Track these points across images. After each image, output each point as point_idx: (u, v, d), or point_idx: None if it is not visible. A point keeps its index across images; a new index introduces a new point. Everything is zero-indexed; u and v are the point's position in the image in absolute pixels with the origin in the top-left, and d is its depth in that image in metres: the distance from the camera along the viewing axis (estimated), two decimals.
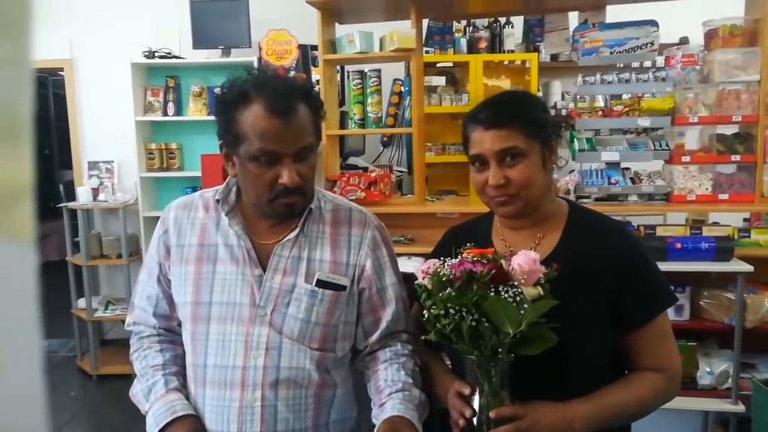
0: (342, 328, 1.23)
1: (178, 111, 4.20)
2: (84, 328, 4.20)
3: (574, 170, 2.86)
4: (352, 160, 4.13)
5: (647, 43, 2.64)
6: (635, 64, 3.40)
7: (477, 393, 1.08)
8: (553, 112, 3.95)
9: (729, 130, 2.72)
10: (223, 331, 1.19)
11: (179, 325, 1.27)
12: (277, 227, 1.23)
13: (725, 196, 2.61)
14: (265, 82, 1.15)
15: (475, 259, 1.06)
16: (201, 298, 1.21)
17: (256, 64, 3.64)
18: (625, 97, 2.75)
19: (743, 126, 2.66)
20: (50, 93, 7.27)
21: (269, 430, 1.16)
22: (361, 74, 3.05)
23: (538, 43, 3.89)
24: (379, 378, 1.21)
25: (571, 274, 1.08)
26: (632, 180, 2.72)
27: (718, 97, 2.59)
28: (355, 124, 3.08)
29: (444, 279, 1.05)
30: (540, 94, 4.19)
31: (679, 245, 2.28)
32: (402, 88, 4.14)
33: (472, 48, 4.19)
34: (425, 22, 3.42)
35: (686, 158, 2.63)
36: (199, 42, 4.05)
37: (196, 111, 4.16)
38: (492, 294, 1.01)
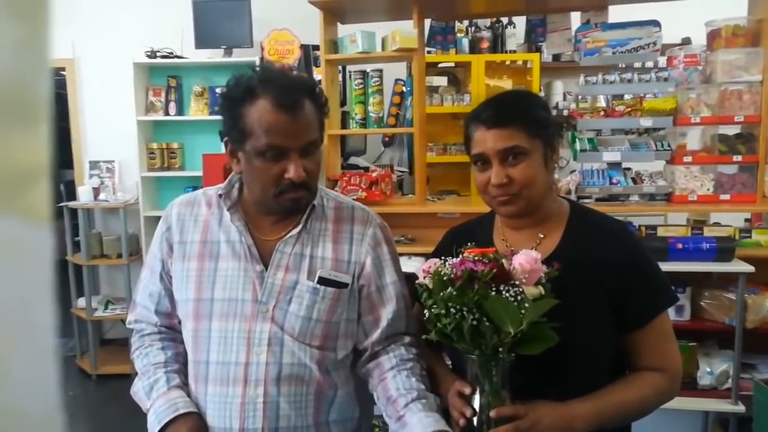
0: (344, 325, 1.23)
1: (180, 111, 4.20)
2: (84, 327, 4.20)
3: (575, 170, 2.86)
4: (353, 160, 4.13)
5: (650, 44, 2.63)
6: (637, 65, 3.40)
7: (477, 392, 1.08)
8: (554, 112, 3.95)
9: (731, 130, 2.72)
10: (225, 328, 1.18)
11: (180, 322, 1.27)
12: (280, 224, 1.23)
13: (727, 197, 2.60)
14: (272, 78, 1.16)
15: (476, 258, 1.06)
16: (203, 295, 1.21)
17: (260, 63, 3.64)
18: (627, 97, 2.74)
19: (745, 126, 2.66)
20: (52, 92, 7.27)
21: (271, 427, 1.16)
22: (363, 74, 3.04)
23: (540, 43, 3.89)
24: (389, 387, 1.18)
25: (572, 273, 1.08)
26: (633, 180, 2.72)
27: (720, 97, 2.58)
28: (356, 123, 3.08)
29: (445, 278, 1.05)
30: (542, 94, 4.18)
31: (680, 245, 2.27)
32: (404, 88, 4.14)
33: (474, 48, 4.19)
34: (427, 22, 3.41)
35: (688, 158, 2.62)
36: (201, 42, 4.06)
37: (197, 111, 4.17)
38: (493, 293, 1.01)
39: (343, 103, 3.80)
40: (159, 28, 4.28)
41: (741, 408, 2.25)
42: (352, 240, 1.25)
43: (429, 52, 3.89)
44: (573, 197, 2.60)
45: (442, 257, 1.09)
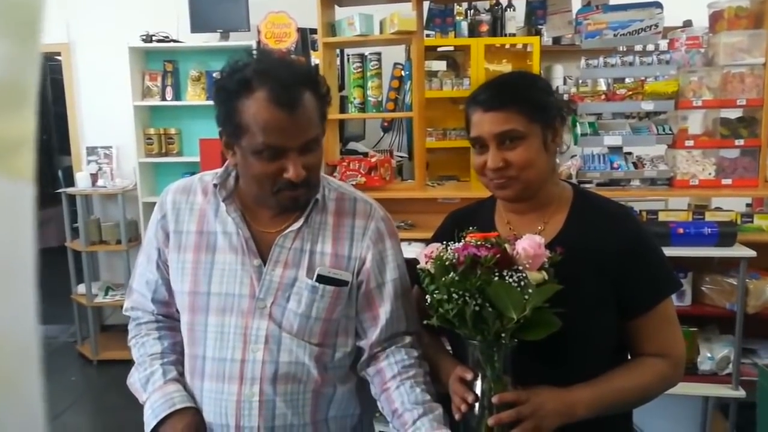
0: (344, 323, 1.19)
1: (177, 96, 4.17)
2: (84, 313, 4.20)
3: (576, 155, 2.84)
4: (352, 146, 4.10)
5: (651, 26, 2.60)
6: (639, 47, 3.36)
7: (479, 378, 1.07)
8: (554, 97, 3.91)
9: (733, 114, 2.69)
10: (221, 323, 1.15)
11: (178, 311, 1.25)
12: (279, 216, 1.18)
13: (728, 181, 2.59)
14: (269, 68, 1.08)
15: (478, 243, 1.04)
16: (199, 288, 1.17)
17: (258, 47, 3.59)
18: (628, 80, 2.71)
19: (747, 110, 2.64)
20: (48, 77, 7.21)
21: (267, 425, 1.14)
22: (361, 57, 3.01)
23: (540, 26, 3.84)
24: (393, 399, 1.14)
25: (575, 258, 1.07)
26: (635, 165, 2.70)
27: (722, 80, 2.56)
28: (355, 108, 3.04)
29: (447, 263, 1.04)
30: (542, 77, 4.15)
31: (681, 230, 2.26)
32: (402, 72, 4.10)
33: (474, 31, 4.15)
34: (426, 4, 3.37)
35: (689, 142, 2.60)
36: (197, 25, 4.01)
37: (194, 95, 4.13)
38: (496, 279, 0.99)
39: (341, 87, 3.76)
40: (154, 11, 4.22)
41: (742, 393, 2.25)
42: (353, 235, 1.20)
43: (428, 36, 3.85)
44: (574, 182, 2.58)
45: (444, 242, 1.08)
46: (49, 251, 6.81)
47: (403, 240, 2.53)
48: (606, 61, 2.68)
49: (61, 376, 4.02)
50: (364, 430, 1.31)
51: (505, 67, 4.24)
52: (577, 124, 2.70)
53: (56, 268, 4.81)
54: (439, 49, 4.21)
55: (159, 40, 4.08)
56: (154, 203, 1.28)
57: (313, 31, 3.61)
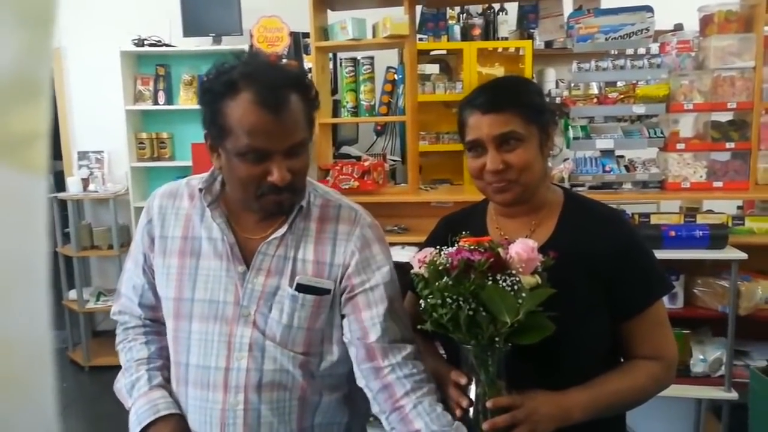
0: (328, 331, 1.16)
1: (169, 100, 4.15)
2: (75, 319, 4.17)
3: (568, 158, 2.85)
4: (345, 149, 4.10)
5: (642, 29, 2.62)
6: (630, 51, 3.38)
7: (474, 383, 1.07)
8: (547, 99, 3.93)
9: (724, 117, 2.71)
10: (205, 330, 1.13)
11: None
12: (265, 222, 1.16)
13: (719, 184, 2.60)
14: (255, 70, 1.06)
15: (472, 247, 1.04)
16: (183, 295, 1.15)
17: (251, 51, 3.58)
18: (619, 84, 2.73)
19: (738, 113, 2.66)
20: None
21: (252, 430, 1.12)
22: (354, 62, 3.01)
23: (532, 30, 3.86)
24: (410, 420, 1.06)
25: (567, 262, 1.07)
26: (626, 168, 2.71)
27: (713, 83, 2.58)
28: (347, 112, 3.05)
29: (441, 268, 1.04)
30: (534, 81, 4.16)
31: (673, 233, 2.27)
32: (395, 76, 4.10)
33: (466, 35, 4.16)
34: (418, 8, 3.37)
35: (681, 146, 2.62)
36: (189, 30, 4.00)
37: (186, 100, 4.12)
38: (490, 283, 0.99)
39: (334, 91, 3.76)
40: (146, 15, 4.21)
41: (734, 395, 2.26)
42: (335, 241, 1.15)
43: (420, 39, 3.86)
44: (566, 185, 2.59)
45: (437, 246, 1.08)
46: None
47: (396, 244, 2.56)
48: (598, 64, 2.70)
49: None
50: None
51: (498, 70, 4.26)
52: (569, 127, 2.71)
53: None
54: (431, 52, 4.22)
55: (151, 44, 4.06)
56: None
57: (306, 35, 3.61)
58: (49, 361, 0.32)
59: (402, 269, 1.21)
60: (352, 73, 2.99)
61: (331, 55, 3.62)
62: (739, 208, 2.95)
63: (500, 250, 1.04)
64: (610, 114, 2.76)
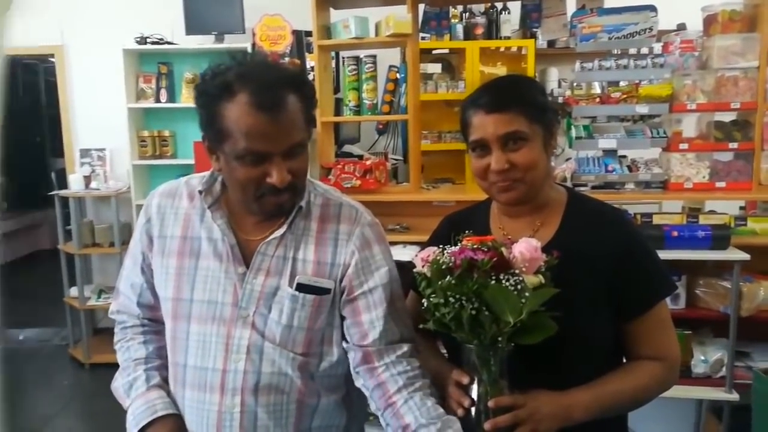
0: (329, 332, 1.15)
1: (171, 98, 4.15)
2: (76, 316, 4.18)
3: (570, 158, 2.84)
4: (347, 148, 4.10)
5: (646, 29, 2.61)
6: (633, 51, 3.38)
7: (476, 382, 1.06)
8: (549, 99, 3.93)
9: (727, 117, 2.71)
10: (203, 332, 1.13)
11: None
12: (264, 223, 1.14)
13: (722, 184, 2.60)
14: (251, 71, 1.04)
15: (475, 246, 1.04)
16: (182, 295, 1.14)
17: (250, 50, 3.58)
18: (622, 83, 2.72)
19: (741, 113, 2.65)
20: (41, 79, 7.19)
21: None
22: (357, 60, 3.01)
23: (535, 29, 3.85)
24: (403, 415, 1.06)
25: (570, 262, 1.07)
26: (629, 168, 2.71)
27: (716, 83, 2.57)
28: (350, 110, 3.04)
29: (444, 267, 1.03)
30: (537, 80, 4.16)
31: (675, 233, 2.27)
32: (398, 75, 4.09)
33: (469, 34, 4.15)
34: (421, 7, 3.37)
35: (684, 146, 2.61)
36: (192, 28, 4.00)
37: (189, 98, 4.09)
38: (493, 282, 0.99)
39: (336, 89, 3.76)
40: (149, 13, 4.21)
41: (735, 396, 2.25)
42: (336, 241, 1.14)
43: (423, 38, 3.85)
44: (569, 185, 2.59)
45: (441, 245, 1.08)
46: (41, 254, 6.79)
47: (398, 243, 2.55)
48: (601, 64, 2.69)
49: (53, 379, 3.99)
50: None
51: (500, 69, 4.25)
52: (572, 127, 2.71)
53: (49, 271, 4.79)
54: (434, 51, 4.22)
55: (154, 42, 4.06)
56: None
57: (309, 33, 3.60)
58: None
59: (404, 268, 1.20)
60: (355, 72, 2.99)
61: (333, 53, 3.61)
62: (741, 208, 2.95)
63: (503, 249, 1.04)
64: (612, 114, 2.76)
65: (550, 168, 1.22)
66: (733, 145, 2.59)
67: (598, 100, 2.71)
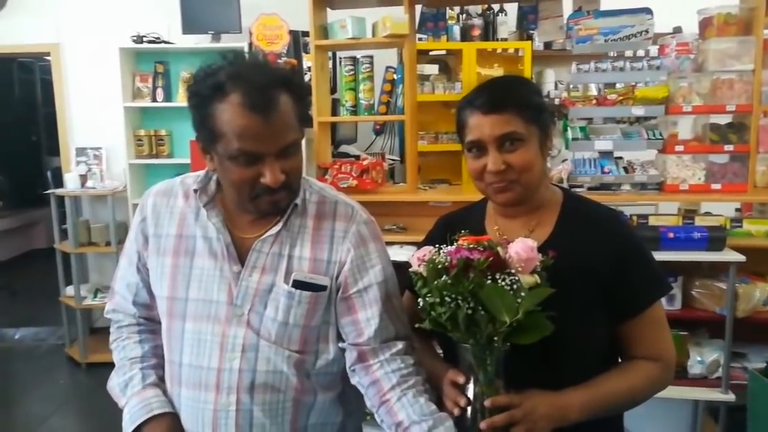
0: (324, 329, 1.16)
1: (167, 97, 4.15)
2: (73, 315, 4.17)
3: (566, 159, 2.85)
4: (344, 148, 4.10)
5: (642, 31, 2.62)
6: (629, 53, 3.39)
7: (471, 382, 1.06)
8: (545, 100, 3.94)
9: (723, 119, 2.72)
10: (198, 330, 1.13)
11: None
12: (260, 221, 1.15)
13: (718, 186, 2.61)
14: (242, 71, 1.04)
15: (471, 246, 1.04)
16: (177, 294, 1.15)
17: (247, 50, 3.58)
18: (619, 85, 2.73)
19: (737, 116, 2.66)
20: (37, 78, 7.17)
21: (244, 430, 1.11)
22: (353, 60, 3.01)
23: (531, 31, 3.86)
24: (396, 412, 1.08)
25: (565, 262, 1.07)
26: (625, 169, 2.71)
27: (712, 86, 2.58)
28: (346, 111, 3.04)
29: (440, 266, 1.04)
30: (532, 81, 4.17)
31: (671, 235, 2.28)
32: (394, 76, 4.10)
33: (465, 36, 4.16)
34: (418, 8, 3.38)
35: (679, 147, 2.62)
36: (188, 27, 3.99)
37: (185, 97, 4.10)
38: (489, 282, 0.99)
39: (333, 90, 3.76)
40: (146, 12, 4.21)
41: (731, 397, 2.26)
42: (332, 238, 1.15)
43: (420, 39, 3.86)
44: (565, 186, 2.59)
45: (437, 245, 1.08)
46: (37, 253, 6.77)
47: (394, 243, 2.55)
48: (597, 66, 2.70)
49: (49, 378, 3.98)
50: None
51: (497, 71, 4.26)
52: (569, 128, 2.71)
53: (45, 270, 4.77)
54: (431, 53, 4.22)
55: (150, 41, 4.06)
56: None
57: (305, 33, 3.60)
58: None
59: (400, 268, 1.21)
60: (352, 72, 2.99)
61: (330, 53, 3.62)
62: (737, 210, 2.96)
63: (499, 249, 1.04)
64: (609, 115, 2.76)
65: (546, 169, 1.22)
66: (729, 148, 2.60)
67: (594, 101, 2.72)
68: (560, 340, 1.04)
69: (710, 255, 2.27)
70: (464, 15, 4.21)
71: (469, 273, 1.01)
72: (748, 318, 2.31)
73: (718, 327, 2.31)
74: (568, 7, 3.11)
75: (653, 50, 3.25)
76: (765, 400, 0.77)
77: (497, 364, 1.05)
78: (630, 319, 1.13)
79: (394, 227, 2.78)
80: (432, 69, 4.21)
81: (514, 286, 1.00)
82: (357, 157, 3.43)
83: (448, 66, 4.34)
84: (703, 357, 2.33)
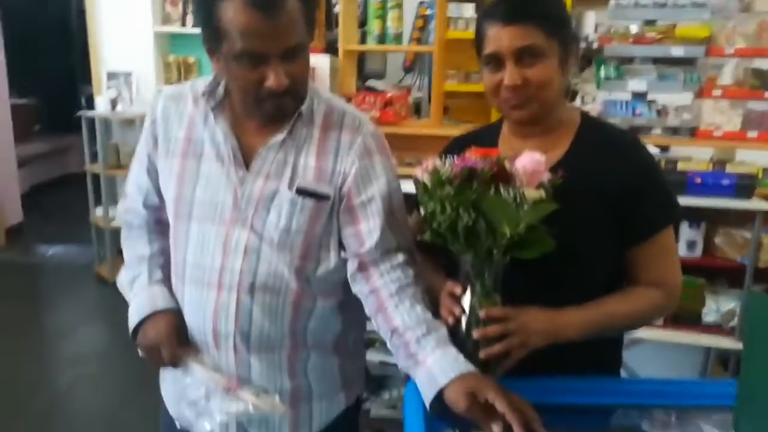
0: (326, 238, 1.16)
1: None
2: (102, 235, 4.30)
3: (595, 98, 2.75)
4: (371, 83, 4.04)
5: None
6: None
7: (468, 293, 1.06)
8: (584, 45, 3.78)
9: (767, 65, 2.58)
10: (203, 231, 1.15)
11: None
12: (267, 128, 1.14)
13: (754, 134, 2.50)
14: None
15: (477, 158, 1.02)
16: (184, 195, 1.16)
17: None
18: (660, 23, 2.59)
19: None
20: (73, 5, 7.18)
21: (243, 332, 1.14)
22: None
23: None
24: (392, 318, 1.09)
25: (577, 182, 1.05)
26: (658, 113, 2.61)
27: (758, 28, 2.44)
28: (374, 39, 2.97)
29: (444, 177, 1.02)
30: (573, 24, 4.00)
31: (698, 180, 2.21)
32: (428, 11, 3.98)
33: None
34: None
35: (717, 92, 2.50)
36: None
37: None
38: (492, 193, 0.98)
39: (363, 23, 3.67)
40: None
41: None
42: (338, 149, 1.14)
43: None
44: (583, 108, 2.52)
45: (444, 155, 1.06)
46: (71, 177, 6.95)
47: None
48: (637, 1, 2.56)
49: (78, 294, 4.15)
50: (348, 349, 1.29)
51: None
52: (603, 66, 2.61)
53: (78, 193, 4.91)
54: None
55: None
56: None
57: None
58: None
59: (411, 199, 1.19)
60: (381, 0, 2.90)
61: None
62: None
63: (506, 162, 1.03)
64: (645, 54, 2.64)
65: (566, 87, 1.18)
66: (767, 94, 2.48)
67: (631, 40, 2.60)
68: (564, 259, 1.03)
69: (737, 202, 2.20)
70: None
71: (472, 183, 1.00)
72: None
73: (739, 277, 2.27)
74: None
75: None
76: (765, 319, 0.76)
77: (496, 278, 1.05)
78: (638, 243, 1.11)
79: (415, 162, 2.76)
80: (468, 9, 4.07)
81: (518, 199, 0.98)
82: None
83: (483, 5, 4.19)
84: (719, 305, 2.30)
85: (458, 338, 1.06)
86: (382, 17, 2.91)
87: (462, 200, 0.99)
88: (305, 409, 1.24)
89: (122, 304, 1.28)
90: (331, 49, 3.61)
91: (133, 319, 1.19)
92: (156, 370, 1.30)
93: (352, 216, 1.15)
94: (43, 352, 3.42)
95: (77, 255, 4.82)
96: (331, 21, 3.99)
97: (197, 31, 1.15)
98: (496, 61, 1.11)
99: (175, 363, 1.17)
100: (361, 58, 3.51)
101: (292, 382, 1.20)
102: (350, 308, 1.24)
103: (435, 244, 1.04)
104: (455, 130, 2.82)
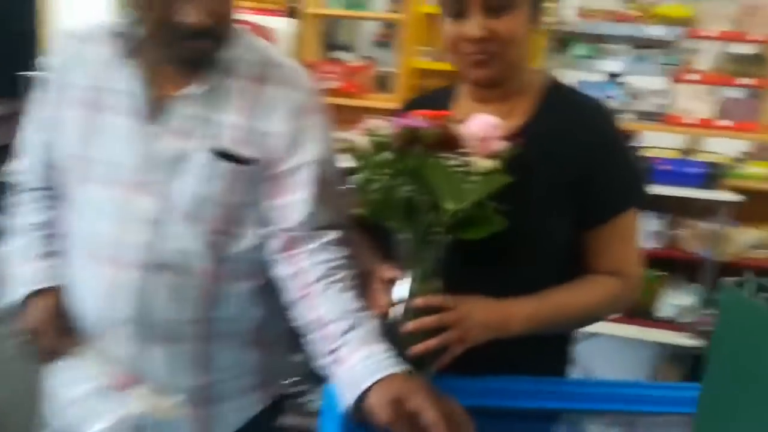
0: (246, 210, 0.99)
1: None
2: None
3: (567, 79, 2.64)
4: (337, 55, 3.86)
5: None
6: None
7: (404, 279, 0.92)
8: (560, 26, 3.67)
9: (748, 50, 2.49)
10: (101, 197, 0.97)
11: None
12: (184, 77, 0.96)
13: (727, 123, 2.41)
14: None
15: (423, 118, 0.87)
16: (81, 152, 0.98)
17: None
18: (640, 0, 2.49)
19: (763, 46, 2.43)
20: None
21: (142, 317, 0.97)
22: None
23: None
24: (315, 306, 0.94)
25: (537, 151, 0.93)
26: (633, 96, 2.51)
27: (739, 11, 2.35)
28: (340, 4, 2.79)
29: (382, 140, 0.87)
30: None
31: (668, 167, 2.11)
32: None
33: None
34: None
35: (694, 76, 2.41)
36: None
37: None
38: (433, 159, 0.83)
39: None
40: None
41: (700, 342, 2.17)
42: (269, 105, 0.98)
43: None
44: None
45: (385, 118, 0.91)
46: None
47: None
48: None
49: None
50: (270, 341, 1.12)
51: None
52: (576, 45, 2.49)
53: None
54: None
55: None
56: None
57: None
58: None
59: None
60: None
61: None
62: (745, 153, 2.76)
63: (456, 125, 0.88)
64: (621, 33, 2.53)
65: (531, 48, 1.04)
66: (745, 81, 2.38)
67: (610, 16, 2.48)
68: (515, 239, 0.89)
69: (704, 193, 2.11)
70: None
71: (414, 148, 0.85)
72: (735, 263, 2.18)
73: (700, 271, 2.19)
74: None
75: None
76: (734, 312, 0.68)
77: (437, 261, 0.90)
78: (597, 226, 0.99)
79: None
80: None
81: (466, 170, 0.84)
82: None
83: None
84: (676, 300, 2.23)
85: (389, 331, 0.92)
86: None
87: (401, 167, 0.85)
88: (213, 411, 1.06)
89: None
90: (295, 13, 3.42)
91: (12, 296, 1.02)
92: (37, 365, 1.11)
93: (278, 184, 0.98)
94: None
95: None
96: None
97: None
98: (459, 10, 0.95)
99: (56, 353, 1.01)
100: (331, 29, 3.32)
101: (199, 378, 1.03)
102: (273, 293, 1.05)
103: (371, 220, 0.90)
104: None
